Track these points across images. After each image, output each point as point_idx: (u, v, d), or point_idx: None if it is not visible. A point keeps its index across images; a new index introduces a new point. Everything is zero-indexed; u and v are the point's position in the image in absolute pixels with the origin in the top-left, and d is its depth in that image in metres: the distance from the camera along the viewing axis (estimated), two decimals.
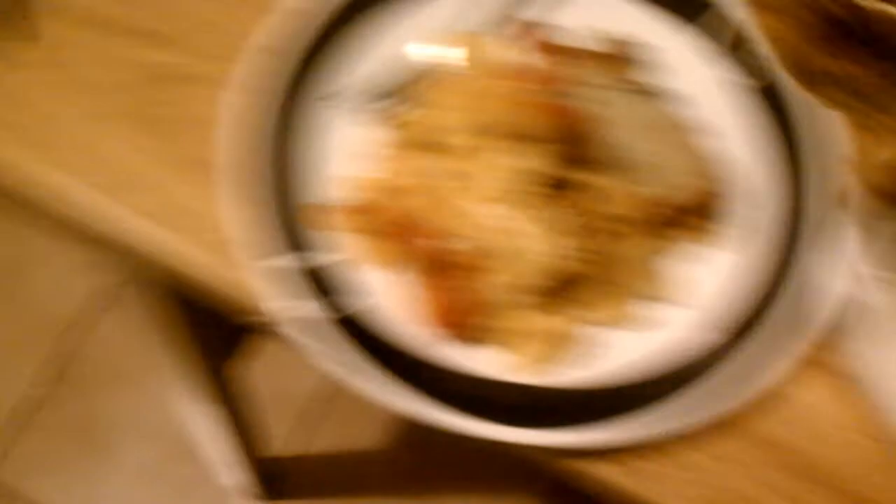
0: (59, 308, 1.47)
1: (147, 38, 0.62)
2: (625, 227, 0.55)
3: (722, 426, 0.53)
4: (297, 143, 0.59)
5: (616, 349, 0.55)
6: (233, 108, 0.58)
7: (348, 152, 0.59)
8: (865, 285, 0.49)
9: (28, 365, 1.43)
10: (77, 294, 1.48)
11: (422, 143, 0.57)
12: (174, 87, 0.61)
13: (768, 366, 0.54)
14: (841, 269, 0.54)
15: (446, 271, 0.54)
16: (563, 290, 0.54)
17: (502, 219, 0.53)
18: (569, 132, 0.55)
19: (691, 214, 0.57)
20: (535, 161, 0.54)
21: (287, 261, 0.54)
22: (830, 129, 0.57)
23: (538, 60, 0.59)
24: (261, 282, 0.54)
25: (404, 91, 0.60)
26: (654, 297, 0.56)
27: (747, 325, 0.55)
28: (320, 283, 0.55)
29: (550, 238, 0.53)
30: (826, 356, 0.55)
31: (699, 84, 0.61)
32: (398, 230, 0.55)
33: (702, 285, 0.57)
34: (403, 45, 0.61)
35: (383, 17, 0.62)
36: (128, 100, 0.61)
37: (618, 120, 0.56)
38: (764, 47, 0.46)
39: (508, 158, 0.54)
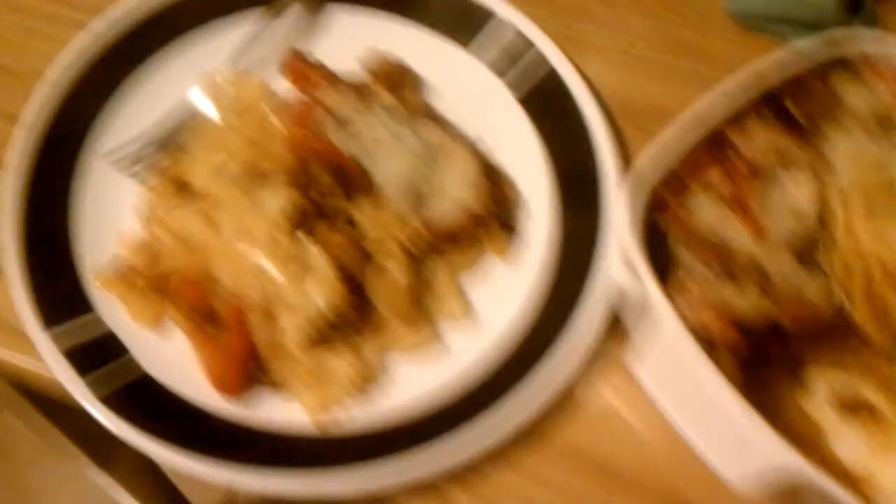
0: None
1: None
2: (410, 256, 0.54)
3: (528, 440, 0.52)
4: (78, 204, 0.57)
5: (410, 378, 0.54)
6: (9, 182, 0.56)
7: (128, 208, 0.57)
8: (626, 277, 0.50)
9: None
10: None
11: (191, 194, 0.56)
12: None
13: (574, 374, 0.53)
14: (617, 263, 0.53)
15: (226, 325, 0.52)
16: (353, 327, 0.53)
17: (277, 265, 0.52)
18: (333, 167, 0.54)
19: (480, 232, 0.56)
20: (300, 202, 0.53)
21: (71, 332, 0.53)
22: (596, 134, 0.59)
23: (306, 94, 0.58)
24: (46, 354, 0.52)
25: (177, 140, 0.59)
26: (443, 319, 0.55)
27: (548, 335, 0.54)
28: (94, 349, 0.53)
29: (328, 280, 0.52)
30: (616, 352, 0.54)
31: (472, 101, 0.61)
32: (175, 288, 0.54)
33: (498, 302, 0.56)
34: (179, 92, 0.61)
35: (163, 66, 0.62)
36: None
37: (392, 146, 0.56)
38: None
39: (274, 201, 0.53)
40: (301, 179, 0.54)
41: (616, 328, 0.54)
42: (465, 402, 0.53)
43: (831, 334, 0.50)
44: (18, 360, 0.54)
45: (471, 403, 0.52)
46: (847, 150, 0.54)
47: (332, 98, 0.58)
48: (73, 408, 0.52)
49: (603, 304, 0.54)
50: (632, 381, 0.51)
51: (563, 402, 0.53)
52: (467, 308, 0.56)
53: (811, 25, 0.64)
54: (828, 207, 0.52)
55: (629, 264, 0.48)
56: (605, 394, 0.54)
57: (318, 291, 0.52)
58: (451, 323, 0.55)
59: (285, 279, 0.52)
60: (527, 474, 0.52)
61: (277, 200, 0.53)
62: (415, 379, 0.54)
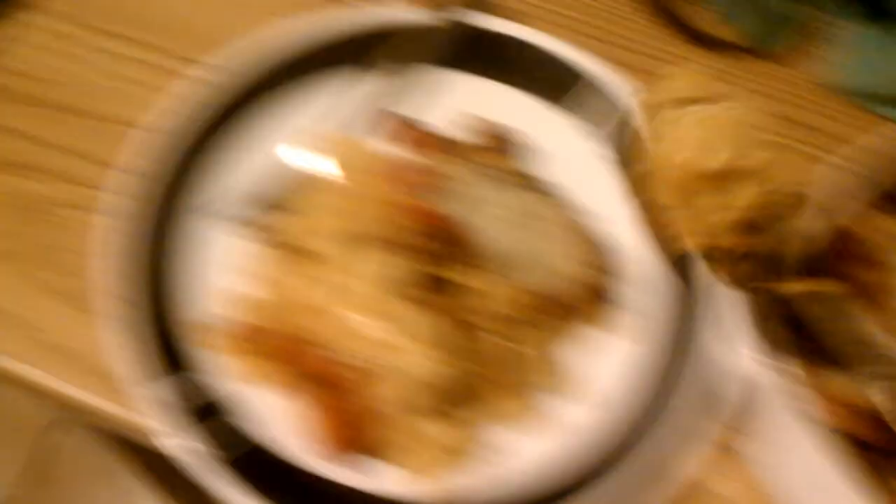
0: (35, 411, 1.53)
1: (26, 168, 0.62)
2: (510, 325, 0.54)
3: None
4: (175, 259, 0.57)
5: (516, 451, 0.53)
6: (106, 232, 0.56)
7: (227, 265, 0.57)
8: (754, 367, 0.49)
9: (8, 466, 1.50)
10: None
11: (295, 254, 0.56)
12: (43, 216, 0.60)
13: (675, 456, 0.52)
14: (741, 350, 0.53)
15: (331, 388, 0.52)
16: (454, 395, 0.52)
17: (379, 331, 0.51)
18: (439, 233, 0.54)
19: (582, 303, 0.55)
20: (405, 267, 0.52)
21: (168, 387, 0.52)
22: None
23: (410, 156, 0.58)
24: (146, 411, 0.52)
25: (278, 198, 0.59)
26: (551, 391, 0.54)
27: (650, 413, 0.54)
28: (207, 408, 0.53)
29: (429, 348, 0.51)
30: (736, 442, 0.54)
31: (575, 168, 0.61)
32: (281, 350, 0.53)
33: (599, 375, 0.55)
34: (277, 148, 0.61)
35: (257, 119, 0.62)
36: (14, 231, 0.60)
37: (495, 213, 0.55)
38: None
39: (378, 266, 0.53)
40: (408, 244, 0.54)
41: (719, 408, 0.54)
42: (565, 475, 0.52)
43: None
44: (115, 409, 0.54)
45: (570, 477, 0.52)
46: None
47: (437, 162, 0.58)
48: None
49: (707, 384, 0.53)
50: (735, 463, 0.51)
51: (660, 482, 0.52)
52: (569, 379, 0.55)
53: None
54: None
55: (762, 352, 0.47)
56: (708, 475, 0.53)
57: (422, 358, 0.52)
58: (551, 393, 0.55)
59: (390, 344, 0.52)
60: None
61: (384, 264, 0.53)
62: (515, 448, 0.53)
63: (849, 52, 0.66)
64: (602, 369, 0.56)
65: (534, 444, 0.53)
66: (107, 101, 0.64)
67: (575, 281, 0.55)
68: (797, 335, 0.48)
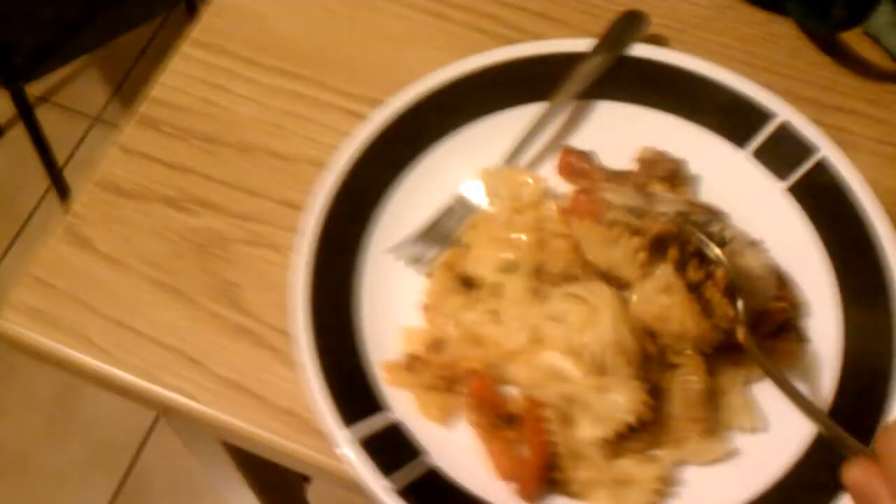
0: (120, 429, 1.59)
1: (198, 203, 0.62)
2: (698, 360, 0.53)
3: None
4: (361, 299, 0.57)
5: (699, 488, 0.53)
6: (298, 272, 0.56)
7: (411, 303, 0.57)
8: None
9: (98, 484, 1.55)
10: (135, 417, 1.59)
11: (460, 287, 0.56)
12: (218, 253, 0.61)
13: None
14: None
15: (528, 428, 0.52)
16: (655, 435, 0.52)
17: (558, 368, 0.52)
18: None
19: (770, 333, 0.55)
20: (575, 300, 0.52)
21: (364, 428, 0.52)
22: None
23: (584, 191, 0.58)
24: (342, 451, 0.52)
25: (454, 234, 0.59)
26: (732, 428, 0.54)
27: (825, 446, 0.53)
28: (385, 446, 0.52)
29: (616, 385, 0.51)
30: None
31: (749, 201, 0.60)
32: (454, 382, 0.54)
33: (782, 410, 0.53)
34: (455, 185, 0.61)
35: (437, 157, 0.62)
36: (188, 269, 0.60)
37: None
38: None
39: (555, 302, 0.53)
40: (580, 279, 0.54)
41: None
42: None
43: None
44: (315, 455, 0.54)
45: None
46: None
47: (616, 195, 0.57)
48: None
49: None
50: None
51: None
52: (762, 420, 0.54)
53: None
54: None
55: None
56: None
57: (621, 396, 0.51)
58: (744, 433, 0.54)
59: (585, 382, 0.51)
60: None
61: (570, 301, 0.53)
62: (704, 486, 0.53)
63: None
64: (787, 406, 0.54)
65: (729, 480, 0.53)
66: (278, 139, 0.64)
67: (774, 316, 0.55)
68: None
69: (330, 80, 0.66)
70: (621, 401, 0.51)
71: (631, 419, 0.51)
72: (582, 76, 0.63)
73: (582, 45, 0.64)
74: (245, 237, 0.61)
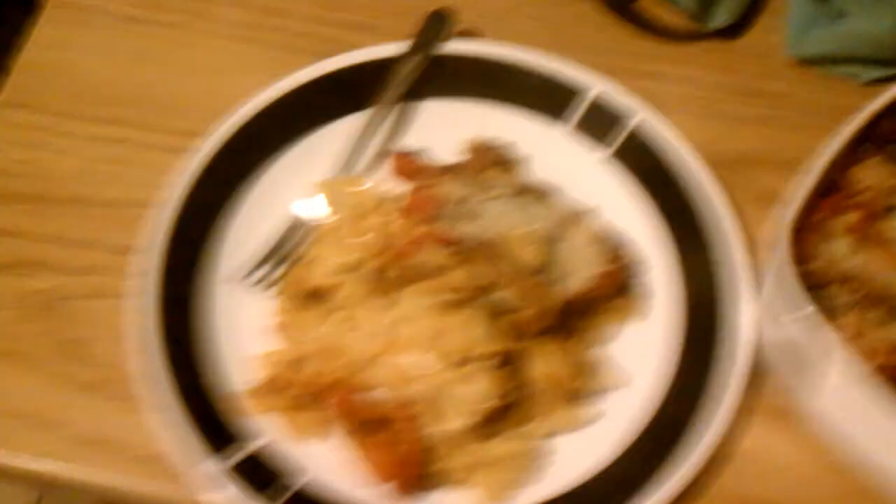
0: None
1: (31, 266, 0.60)
2: (540, 334, 0.54)
3: (692, 495, 0.53)
4: (206, 330, 0.57)
5: (570, 453, 0.54)
6: (130, 316, 0.56)
7: (258, 327, 0.57)
8: (785, 326, 0.51)
9: None
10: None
11: (307, 301, 0.56)
12: (54, 312, 0.59)
13: (715, 420, 0.53)
14: (760, 313, 0.56)
15: (384, 429, 0.52)
16: (500, 414, 0.53)
17: (416, 364, 0.52)
18: (458, 256, 0.54)
19: (606, 298, 0.57)
20: (430, 296, 0.53)
21: (218, 460, 0.52)
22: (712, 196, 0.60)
23: (419, 188, 0.59)
24: (199, 489, 0.52)
25: (299, 250, 0.59)
26: (594, 390, 0.56)
27: (685, 387, 0.55)
28: (257, 473, 0.52)
29: (479, 373, 0.52)
30: (773, 401, 0.56)
31: (576, 173, 0.63)
32: (316, 397, 0.53)
33: (634, 364, 0.57)
34: (288, 204, 0.61)
35: (265, 180, 0.62)
36: (32, 333, 0.58)
37: (509, 224, 0.56)
38: None
39: (403, 301, 0.53)
40: (420, 279, 0.54)
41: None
42: (632, 465, 0.53)
43: None
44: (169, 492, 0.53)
45: (637, 466, 0.53)
46: None
47: (452, 188, 0.58)
48: None
49: (744, 352, 0.55)
50: (778, 423, 0.55)
51: (717, 454, 0.54)
52: (620, 376, 0.56)
53: (879, 62, 0.67)
54: None
55: (794, 313, 0.49)
56: (761, 440, 0.55)
57: (482, 383, 0.52)
58: (608, 392, 0.56)
59: (446, 375, 0.52)
60: None
61: (428, 296, 0.54)
62: (575, 450, 0.55)
63: (797, 20, 0.69)
64: (644, 358, 0.57)
65: (590, 441, 0.55)
66: (105, 187, 0.63)
67: (603, 275, 0.56)
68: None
69: (149, 119, 0.65)
70: (482, 388, 0.52)
71: (493, 404, 0.52)
72: (401, 79, 0.64)
73: (394, 49, 0.65)
74: (86, 291, 0.59)
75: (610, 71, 0.66)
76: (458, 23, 0.67)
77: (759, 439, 0.55)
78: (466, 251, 0.55)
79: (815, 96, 0.68)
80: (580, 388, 0.55)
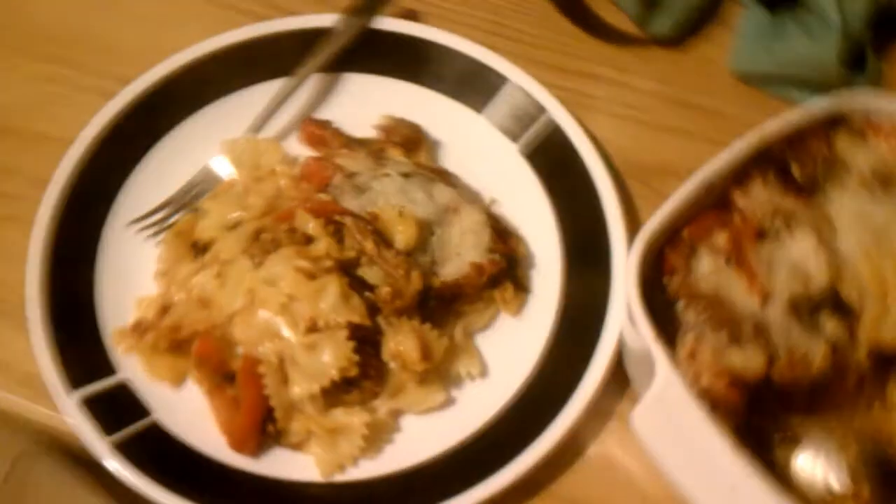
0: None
1: None
2: (411, 314, 0.55)
3: (532, 492, 0.54)
4: (99, 269, 0.59)
5: (422, 432, 0.55)
6: (31, 244, 0.58)
7: (143, 273, 0.59)
8: (630, 336, 0.51)
9: None
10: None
11: (190, 252, 0.58)
12: None
13: (568, 422, 0.54)
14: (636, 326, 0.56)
15: (245, 384, 0.53)
16: (356, 385, 0.54)
17: (273, 327, 0.54)
18: (338, 227, 0.56)
19: (484, 287, 0.58)
20: (300, 262, 0.54)
21: (86, 390, 0.54)
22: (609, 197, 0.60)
23: (322, 156, 0.61)
24: (68, 412, 0.54)
25: (195, 203, 0.61)
26: (465, 376, 0.57)
27: (547, 387, 0.56)
28: (109, 408, 0.54)
29: (340, 343, 0.53)
30: (622, 407, 0.56)
31: (485, 163, 0.63)
32: (183, 346, 0.55)
33: (503, 357, 0.57)
34: (200, 159, 0.63)
35: (182, 133, 0.63)
36: None
37: (402, 205, 0.57)
38: None
39: (289, 263, 0.54)
40: (311, 240, 0.56)
41: (624, 384, 0.56)
42: (473, 454, 0.54)
43: (825, 394, 0.51)
44: (40, 413, 0.56)
45: (478, 456, 0.54)
46: (850, 210, 0.55)
47: (348, 161, 0.60)
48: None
49: (610, 361, 0.55)
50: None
51: (569, 456, 0.55)
52: (481, 366, 0.57)
53: (815, 85, 0.66)
54: (836, 271, 0.53)
55: (634, 322, 0.49)
56: (610, 447, 0.55)
57: (328, 353, 0.53)
58: (465, 380, 0.57)
59: (296, 341, 0.54)
60: None
61: (290, 262, 0.54)
62: (426, 433, 0.55)
63: (743, 36, 0.68)
64: (513, 353, 0.58)
65: (442, 426, 0.55)
66: (27, 119, 0.66)
67: (483, 267, 0.57)
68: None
69: (87, 61, 0.68)
70: (328, 358, 0.53)
71: (335, 375, 0.53)
72: (327, 50, 0.65)
73: (327, 20, 0.66)
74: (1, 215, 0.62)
75: (542, 66, 0.67)
76: (398, 2, 0.68)
77: (610, 445, 0.56)
78: (339, 224, 0.56)
79: (748, 114, 0.66)
80: (433, 372, 0.56)
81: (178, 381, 0.56)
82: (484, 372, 0.57)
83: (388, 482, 0.54)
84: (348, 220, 0.56)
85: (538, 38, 0.70)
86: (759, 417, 0.50)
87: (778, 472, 0.49)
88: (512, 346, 0.58)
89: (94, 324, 0.57)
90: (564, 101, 0.64)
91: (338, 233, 0.56)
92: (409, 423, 0.56)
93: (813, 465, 0.49)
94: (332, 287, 0.54)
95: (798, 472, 0.49)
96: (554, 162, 0.63)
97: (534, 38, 0.70)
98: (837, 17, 0.65)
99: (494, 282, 0.58)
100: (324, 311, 0.53)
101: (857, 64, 0.66)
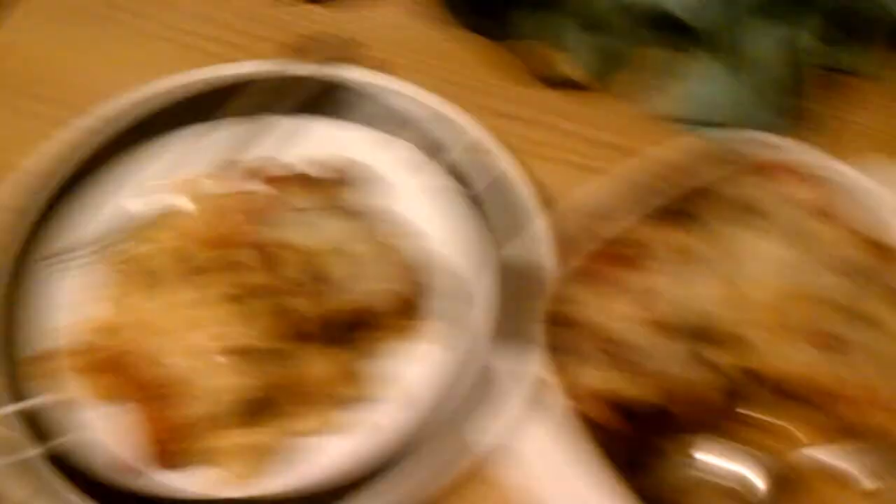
0: None
1: None
2: (319, 339, 0.58)
3: None
4: (27, 301, 0.63)
5: (321, 454, 0.58)
6: None
7: (75, 301, 0.63)
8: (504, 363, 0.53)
9: None
10: None
11: (135, 280, 0.62)
12: None
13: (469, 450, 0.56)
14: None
15: (154, 401, 0.57)
16: (264, 406, 0.57)
17: (195, 348, 0.57)
18: (258, 258, 0.59)
19: (393, 315, 0.60)
20: (224, 289, 0.58)
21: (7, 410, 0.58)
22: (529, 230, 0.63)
23: (246, 192, 0.64)
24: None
25: (126, 238, 0.65)
26: (358, 400, 0.59)
27: (455, 408, 0.58)
28: (41, 427, 0.58)
29: (238, 366, 0.56)
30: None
31: (407, 193, 0.67)
32: (112, 365, 0.58)
33: (405, 381, 0.60)
34: (129, 197, 0.68)
35: (113, 173, 0.69)
36: None
37: (315, 237, 0.61)
38: None
39: (199, 289, 0.58)
40: (224, 271, 0.59)
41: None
42: (367, 469, 0.56)
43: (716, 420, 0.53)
44: None
45: (372, 471, 0.56)
46: (755, 252, 0.56)
47: (276, 195, 0.64)
48: None
49: (518, 383, 0.57)
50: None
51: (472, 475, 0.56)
52: (386, 391, 0.60)
53: (718, 124, 0.68)
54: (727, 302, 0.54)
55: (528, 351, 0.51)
56: (505, 469, 0.56)
57: (232, 375, 0.57)
58: (361, 401, 0.59)
59: (199, 363, 0.57)
60: None
61: (197, 290, 0.59)
62: (328, 452, 0.58)
63: (679, 82, 0.70)
64: (410, 375, 0.60)
65: (340, 443, 0.58)
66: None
67: (386, 297, 0.60)
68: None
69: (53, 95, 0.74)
70: (228, 381, 0.56)
71: (236, 396, 0.56)
72: (265, 93, 0.70)
73: (266, 66, 0.71)
74: None
75: (490, 113, 0.70)
76: (337, 47, 0.73)
77: (506, 467, 0.56)
78: (258, 254, 0.60)
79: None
80: (341, 395, 0.59)
81: (104, 399, 0.59)
82: (393, 397, 0.59)
83: (291, 500, 0.56)
84: (258, 250, 0.60)
85: (487, 85, 0.74)
86: (658, 439, 0.53)
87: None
88: (423, 372, 0.60)
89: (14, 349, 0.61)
90: (508, 145, 0.67)
91: (256, 262, 0.60)
92: (318, 443, 0.58)
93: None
94: (239, 313, 0.57)
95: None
96: (496, 204, 0.65)
97: (483, 85, 0.74)
98: (760, 59, 0.66)
99: (404, 309, 0.61)
100: (227, 335, 0.57)
101: (780, 107, 0.68)
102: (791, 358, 0.52)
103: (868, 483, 0.51)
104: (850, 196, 0.57)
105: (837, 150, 0.60)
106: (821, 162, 0.58)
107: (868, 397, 0.50)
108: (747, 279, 0.55)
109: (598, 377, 0.51)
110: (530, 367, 0.50)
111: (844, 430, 0.51)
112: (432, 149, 0.68)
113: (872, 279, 0.54)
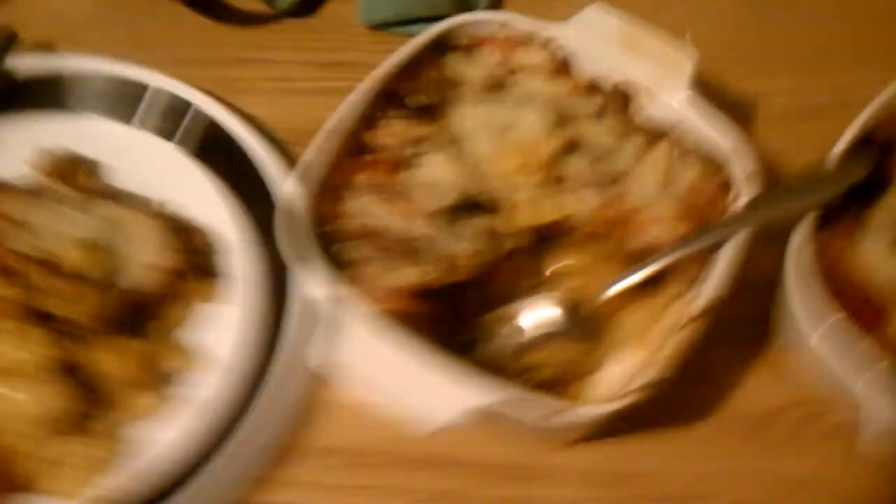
0: None
1: None
2: (117, 326, 0.57)
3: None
4: None
5: (159, 436, 0.56)
6: None
7: None
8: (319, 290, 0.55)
9: None
10: None
11: None
12: None
13: (285, 383, 0.57)
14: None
15: None
16: (76, 415, 0.55)
17: None
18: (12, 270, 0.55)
19: (174, 286, 0.59)
20: None
21: None
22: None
23: None
24: None
25: None
26: (182, 372, 0.58)
27: (261, 360, 0.58)
28: None
29: (36, 384, 0.53)
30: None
31: (149, 169, 0.65)
32: None
33: (221, 344, 0.59)
34: None
35: None
36: None
37: (69, 233, 0.58)
38: None
39: None
40: None
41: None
42: (210, 441, 0.56)
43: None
44: None
45: (215, 440, 0.56)
46: (472, 120, 0.60)
47: (2, 205, 0.60)
48: None
49: (307, 317, 0.59)
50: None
51: (314, 408, 0.58)
52: (193, 359, 0.59)
53: (438, 18, 0.71)
54: (469, 177, 0.59)
55: (308, 274, 0.53)
56: (347, 392, 0.58)
57: (28, 394, 0.54)
58: (183, 374, 0.59)
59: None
60: (283, 483, 0.57)
61: None
62: (164, 433, 0.56)
63: None
64: (221, 338, 0.60)
65: (175, 425, 0.57)
66: None
67: (166, 268, 0.59)
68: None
69: None
70: (30, 398, 0.54)
71: (53, 412, 0.54)
72: None
73: None
74: None
75: (185, 64, 0.68)
76: (26, 37, 0.69)
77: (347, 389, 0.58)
78: (13, 265, 0.56)
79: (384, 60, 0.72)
80: (155, 376, 0.58)
81: None
82: (208, 363, 0.59)
83: (136, 492, 0.55)
84: (24, 259, 0.56)
85: (177, 39, 0.72)
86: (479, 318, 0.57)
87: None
88: (229, 332, 0.60)
89: None
90: (214, 91, 0.66)
91: (13, 274, 0.56)
92: (152, 428, 0.57)
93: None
94: (9, 327, 0.54)
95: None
96: (213, 148, 0.65)
97: (173, 40, 0.72)
98: None
99: (181, 276, 0.60)
100: (7, 353, 0.54)
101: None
102: (551, 204, 0.58)
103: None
104: (574, 51, 0.62)
105: (553, 11, 0.63)
106: (539, 26, 0.62)
107: (634, 217, 0.57)
108: (478, 150, 0.59)
109: (395, 276, 0.54)
110: (328, 288, 0.52)
111: (632, 254, 0.57)
112: (149, 118, 0.66)
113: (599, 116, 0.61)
